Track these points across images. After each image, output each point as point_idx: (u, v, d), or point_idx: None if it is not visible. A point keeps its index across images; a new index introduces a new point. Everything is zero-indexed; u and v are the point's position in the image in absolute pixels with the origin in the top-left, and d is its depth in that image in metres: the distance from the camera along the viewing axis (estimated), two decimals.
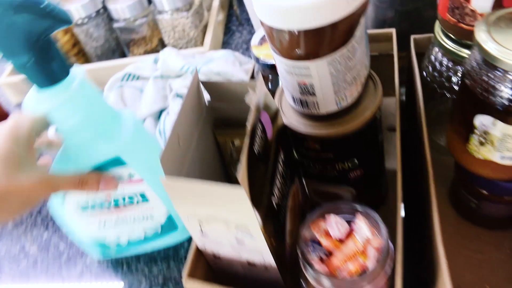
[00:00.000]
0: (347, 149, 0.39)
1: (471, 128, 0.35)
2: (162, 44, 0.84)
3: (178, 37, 0.80)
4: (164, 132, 0.59)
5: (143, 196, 0.46)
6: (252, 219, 0.31)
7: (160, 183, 0.31)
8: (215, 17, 0.83)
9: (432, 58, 0.46)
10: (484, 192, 0.41)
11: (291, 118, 0.39)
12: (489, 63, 0.31)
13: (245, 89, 0.35)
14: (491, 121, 0.33)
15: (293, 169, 0.40)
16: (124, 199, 0.46)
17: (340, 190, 0.43)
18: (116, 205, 0.46)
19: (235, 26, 0.89)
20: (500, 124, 0.33)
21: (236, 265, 0.38)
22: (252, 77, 0.54)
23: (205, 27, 0.82)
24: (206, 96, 0.38)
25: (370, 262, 0.33)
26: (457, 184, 0.45)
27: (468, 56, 0.35)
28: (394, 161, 0.41)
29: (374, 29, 0.52)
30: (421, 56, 0.49)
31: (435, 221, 0.35)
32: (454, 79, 0.43)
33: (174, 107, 0.59)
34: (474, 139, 0.35)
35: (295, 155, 0.41)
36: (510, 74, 0.30)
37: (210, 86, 0.37)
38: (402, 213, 0.36)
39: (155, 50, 0.82)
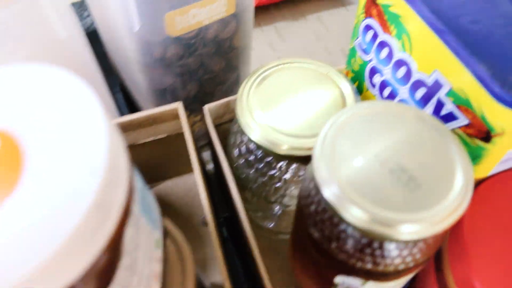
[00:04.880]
0: None
1: (331, 284, 0.24)
2: None
3: None
4: None
5: None
6: None
7: None
8: None
9: (242, 146, 0.33)
10: None
11: None
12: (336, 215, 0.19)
13: None
14: (360, 282, 0.22)
15: None
16: None
17: None
18: None
19: None
20: (371, 283, 0.22)
21: None
22: None
23: None
24: None
25: None
26: None
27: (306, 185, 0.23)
28: None
29: (156, 108, 0.37)
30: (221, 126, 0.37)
31: None
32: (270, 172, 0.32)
33: None
34: None
35: None
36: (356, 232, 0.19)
37: None
38: None
39: None
